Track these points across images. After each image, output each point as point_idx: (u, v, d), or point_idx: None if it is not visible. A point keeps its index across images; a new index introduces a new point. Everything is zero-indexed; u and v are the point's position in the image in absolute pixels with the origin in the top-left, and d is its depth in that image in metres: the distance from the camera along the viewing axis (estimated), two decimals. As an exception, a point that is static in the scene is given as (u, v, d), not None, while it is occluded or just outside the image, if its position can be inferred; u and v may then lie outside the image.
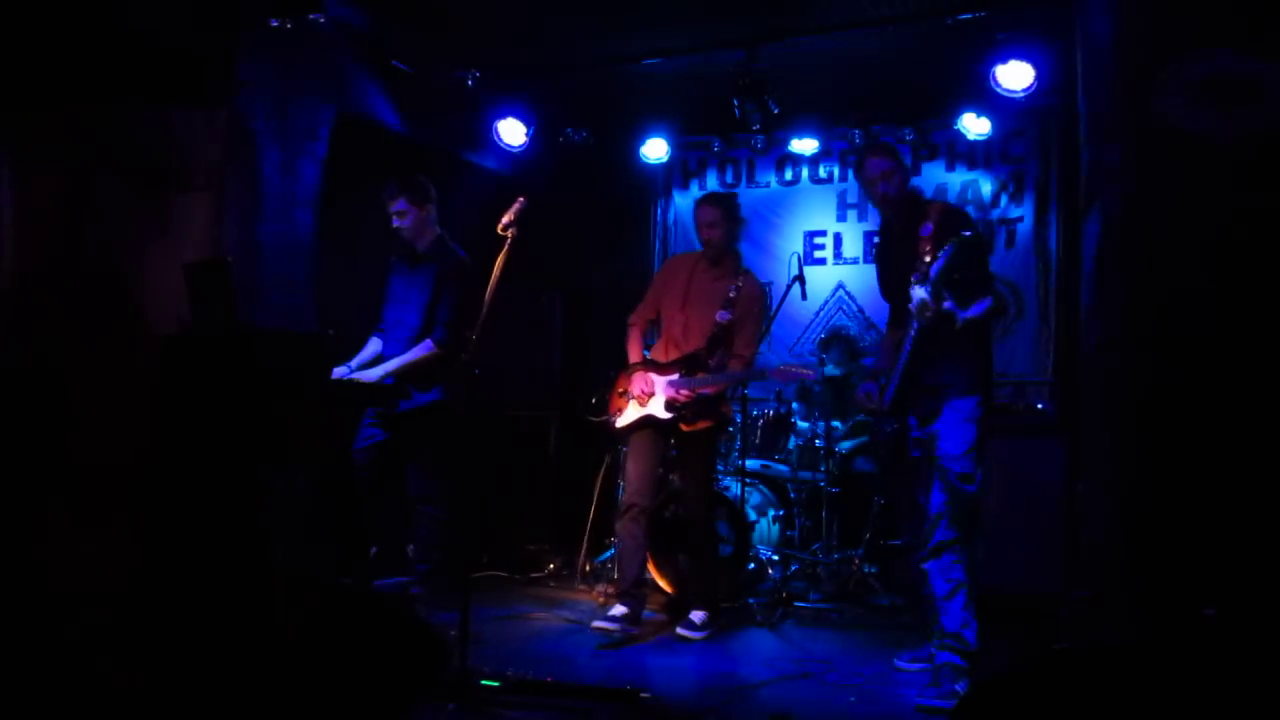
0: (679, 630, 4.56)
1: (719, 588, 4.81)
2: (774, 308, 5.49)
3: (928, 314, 3.60)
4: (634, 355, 4.81)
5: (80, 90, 4.33)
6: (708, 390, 4.56)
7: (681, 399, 4.51)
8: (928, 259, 3.61)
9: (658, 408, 4.58)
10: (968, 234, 3.60)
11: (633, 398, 4.66)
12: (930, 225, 3.69)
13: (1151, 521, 3.59)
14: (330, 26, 4.96)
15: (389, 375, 4.63)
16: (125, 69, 4.37)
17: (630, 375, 4.73)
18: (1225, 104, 3.56)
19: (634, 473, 4.66)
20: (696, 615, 4.61)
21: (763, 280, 7.15)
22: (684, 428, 4.61)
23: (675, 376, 4.59)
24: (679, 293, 4.78)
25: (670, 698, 3.54)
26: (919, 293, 3.59)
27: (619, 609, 4.49)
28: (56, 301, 4.28)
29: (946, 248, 3.55)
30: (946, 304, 3.59)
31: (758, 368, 4.66)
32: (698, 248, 7.43)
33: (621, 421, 4.70)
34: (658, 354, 4.76)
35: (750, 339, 4.65)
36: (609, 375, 4.96)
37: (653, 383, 4.62)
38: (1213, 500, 3.47)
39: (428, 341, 4.68)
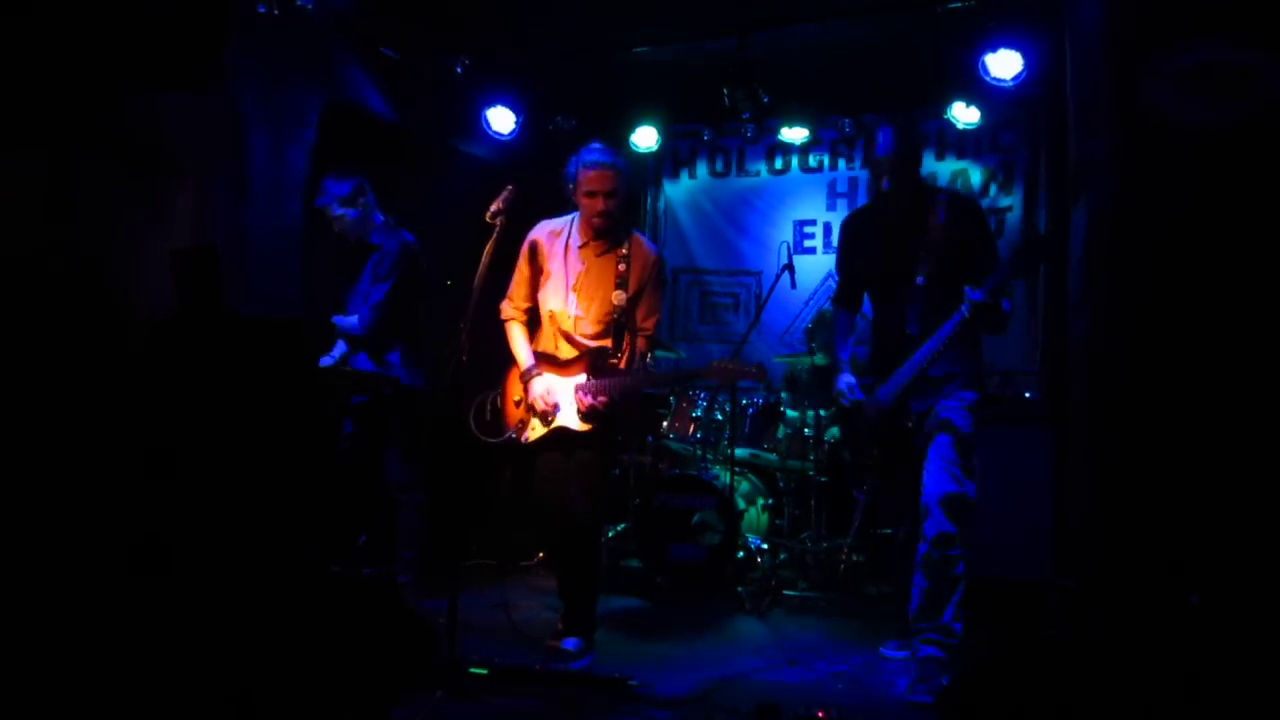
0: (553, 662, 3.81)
1: (595, 609, 4.03)
2: (764, 296, 5.49)
3: (992, 314, 3.62)
4: (525, 357, 4.00)
5: (67, 73, 4.30)
6: (620, 391, 3.87)
7: (600, 406, 3.81)
8: (940, 251, 3.66)
9: (570, 419, 3.86)
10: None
11: (536, 411, 3.92)
12: (942, 213, 3.71)
13: (1136, 509, 3.61)
14: (318, 12, 4.94)
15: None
16: (113, 52, 4.34)
17: (527, 381, 3.96)
18: (1214, 93, 3.56)
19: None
20: (570, 643, 3.86)
21: (753, 269, 7.25)
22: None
23: (582, 379, 3.87)
24: (560, 274, 3.99)
25: (659, 685, 3.54)
26: (976, 296, 3.57)
27: (573, 643, 3.88)
28: (40, 286, 4.26)
29: (1002, 267, 3.63)
30: (1005, 304, 3.69)
31: (689, 367, 3.91)
32: (691, 237, 7.55)
33: (532, 435, 3.94)
34: (545, 348, 4.03)
35: (651, 309, 3.98)
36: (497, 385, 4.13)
37: (555, 392, 3.89)
38: (1197, 488, 3.49)
39: (354, 318, 4.67)
